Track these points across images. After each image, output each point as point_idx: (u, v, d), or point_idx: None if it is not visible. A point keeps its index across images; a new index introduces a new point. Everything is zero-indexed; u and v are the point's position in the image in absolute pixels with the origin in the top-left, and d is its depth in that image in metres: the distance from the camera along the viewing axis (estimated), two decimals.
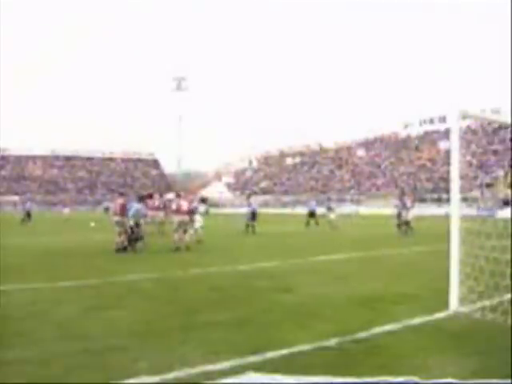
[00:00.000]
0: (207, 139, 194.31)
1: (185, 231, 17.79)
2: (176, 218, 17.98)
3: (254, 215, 26.92)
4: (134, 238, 16.98)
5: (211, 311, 7.83)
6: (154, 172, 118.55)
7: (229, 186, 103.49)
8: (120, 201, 17.82)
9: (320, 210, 34.14)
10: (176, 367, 5.05)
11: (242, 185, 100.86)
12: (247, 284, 10.52)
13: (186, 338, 6.26)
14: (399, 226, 24.65)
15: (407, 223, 24.82)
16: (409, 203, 26.08)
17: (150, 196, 24.64)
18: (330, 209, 31.16)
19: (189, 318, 7.40)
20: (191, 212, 18.55)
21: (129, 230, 16.94)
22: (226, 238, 24.47)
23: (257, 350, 5.59)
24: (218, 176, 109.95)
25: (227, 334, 6.45)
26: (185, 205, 18.06)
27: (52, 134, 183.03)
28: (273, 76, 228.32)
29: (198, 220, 19.78)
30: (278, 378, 2.06)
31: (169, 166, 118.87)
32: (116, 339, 6.21)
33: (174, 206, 18.50)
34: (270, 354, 5.48)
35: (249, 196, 31.12)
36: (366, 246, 19.08)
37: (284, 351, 5.60)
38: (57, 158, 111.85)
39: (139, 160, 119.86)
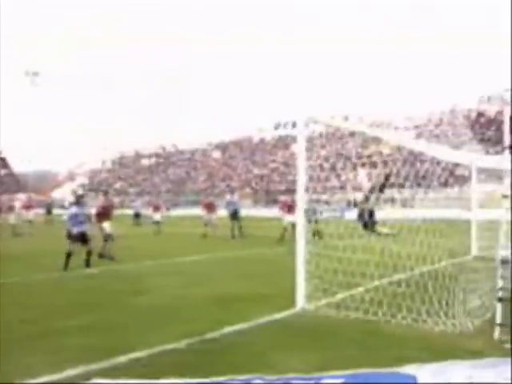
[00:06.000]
0: (60, 138, 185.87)
1: None
2: None
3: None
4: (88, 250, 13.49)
5: (64, 317, 7.57)
6: (1, 171, 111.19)
7: (83, 186, 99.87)
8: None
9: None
10: (17, 379, 4.80)
11: (97, 186, 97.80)
12: (102, 287, 10.32)
13: (32, 347, 5.99)
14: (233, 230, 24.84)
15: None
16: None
17: None
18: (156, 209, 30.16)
19: (38, 324, 7.10)
20: None
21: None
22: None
23: (107, 354, 5.47)
24: (71, 176, 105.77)
25: (77, 340, 6.25)
26: None
27: None
28: (124, 73, 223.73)
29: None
30: (124, 381, 2.03)
31: (19, 166, 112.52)
32: None
33: None
34: (120, 359, 5.39)
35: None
36: (219, 247, 19.28)
37: (133, 355, 5.53)
38: None
39: None
